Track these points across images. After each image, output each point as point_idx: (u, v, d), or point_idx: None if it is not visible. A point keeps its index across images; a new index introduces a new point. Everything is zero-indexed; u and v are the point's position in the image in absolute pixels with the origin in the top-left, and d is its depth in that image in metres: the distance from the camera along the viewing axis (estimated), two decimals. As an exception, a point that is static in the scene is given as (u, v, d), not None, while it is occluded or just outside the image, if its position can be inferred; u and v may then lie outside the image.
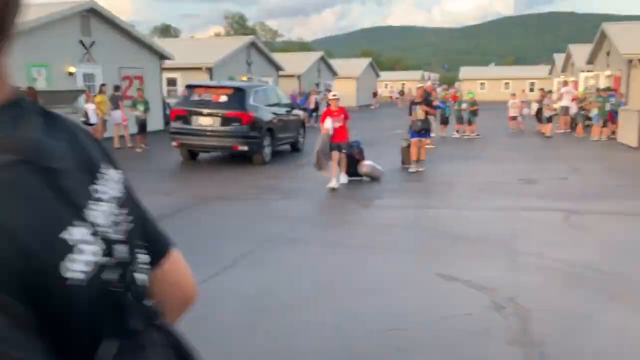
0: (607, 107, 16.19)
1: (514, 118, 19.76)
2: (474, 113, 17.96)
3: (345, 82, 42.04)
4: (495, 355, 3.35)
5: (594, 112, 16.70)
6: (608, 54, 21.30)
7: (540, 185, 9.18)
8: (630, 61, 18.31)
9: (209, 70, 22.32)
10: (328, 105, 9.19)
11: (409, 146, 10.80)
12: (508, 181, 9.64)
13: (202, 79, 20.92)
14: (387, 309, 4.08)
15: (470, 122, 17.95)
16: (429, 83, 16.96)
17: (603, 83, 20.78)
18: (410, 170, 10.47)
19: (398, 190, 9.07)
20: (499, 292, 4.36)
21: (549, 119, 17.73)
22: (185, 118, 11.64)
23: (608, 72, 21.10)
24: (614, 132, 16.20)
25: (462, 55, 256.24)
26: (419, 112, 10.39)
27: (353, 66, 45.76)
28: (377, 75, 51.80)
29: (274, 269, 5.09)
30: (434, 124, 15.50)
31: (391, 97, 54.00)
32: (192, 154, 12.42)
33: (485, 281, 4.61)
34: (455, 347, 3.46)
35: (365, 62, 48.85)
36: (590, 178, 9.95)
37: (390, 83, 65.15)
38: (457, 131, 17.88)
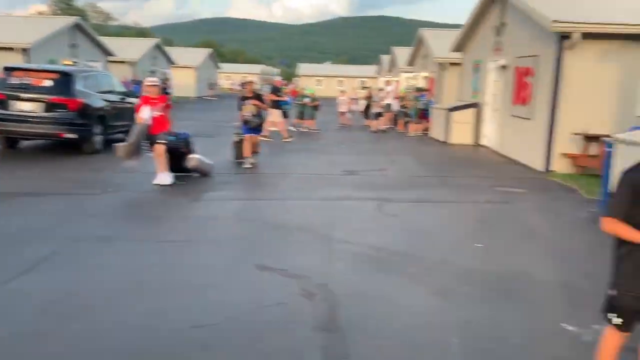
0: (420, 105, 18.10)
1: (343, 113, 21.07)
2: (315, 108, 18.88)
3: (184, 72, 40.73)
4: (299, 343, 3.45)
5: (411, 110, 18.48)
6: (425, 57, 23.54)
7: (361, 177, 9.79)
8: (441, 64, 20.45)
9: (25, 51, 19.97)
10: (146, 93, 8.54)
11: (241, 141, 10.75)
12: (334, 173, 10.12)
13: (15, 60, 18.67)
14: (198, 305, 3.98)
15: (312, 117, 18.83)
16: (277, 77, 17.25)
17: (421, 83, 22.93)
18: (245, 165, 10.43)
19: (230, 183, 8.99)
20: (312, 279, 4.52)
21: (379, 115, 19.16)
22: (2, 103, 10.48)
23: (425, 74, 23.34)
24: (427, 129, 18.00)
25: (302, 51, 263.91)
26: (249, 107, 10.35)
27: (192, 56, 44.55)
28: (217, 67, 51.12)
29: (80, 270, 4.67)
30: (280, 118, 15.87)
31: (232, 89, 53.76)
32: (11, 142, 11.29)
33: (301, 269, 4.75)
34: (262, 339, 3.49)
35: (205, 52, 47.81)
36: (404, 169, 10.88)
37: (231, 75, 64.88)
38: (294, 125, 18.52)
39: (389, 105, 19.43)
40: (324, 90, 55.25)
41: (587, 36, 9.93)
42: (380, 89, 21.46)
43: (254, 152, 10.61)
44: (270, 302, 4.05)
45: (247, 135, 10.42)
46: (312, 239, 5.77)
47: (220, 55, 64.74)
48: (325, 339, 3.51)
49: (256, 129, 10.54)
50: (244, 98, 10.56)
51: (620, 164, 6.35)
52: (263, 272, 4.73)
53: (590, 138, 10.03)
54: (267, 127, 18.77)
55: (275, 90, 16.58)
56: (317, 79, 60.70)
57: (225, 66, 61.75)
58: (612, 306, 2.67)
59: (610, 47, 10.12)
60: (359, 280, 4.61)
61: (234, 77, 62.17)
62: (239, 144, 10.84)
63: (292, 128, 18.17)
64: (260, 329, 3.62)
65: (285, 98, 17.52)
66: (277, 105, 16.05)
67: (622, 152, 6.37)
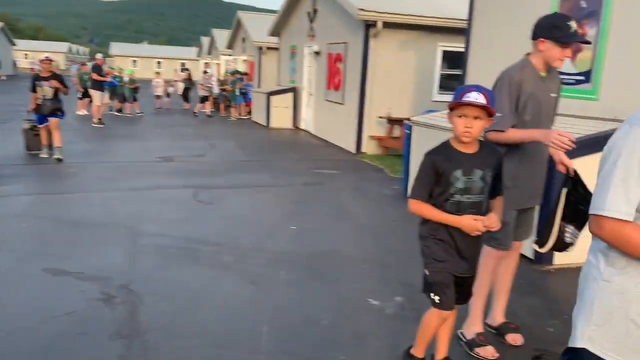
0: (237, 89, 18.08)
1: (159, 97, 20.04)
2: (135, 90, 17.69)
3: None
4: (94, 355, 3.06)
5: (230, 93, 18.28)
6: (244, 40, 23.37)
7: (177, 163, 9.31)
8: (260, 48, 20.48)
9: None
10: None
11: (33, 128, 9.42)
12: (147, 160, 9.47)
13: None
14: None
15: (133, 99, 17.69)
16: (99, 55, 15.52)
17: (241, 67, 22.75)
18: (41, 155, 9.18)
19: (20, 176, 7.82)
20: (113, 281, 4.07)
21: (205, 99, 18.62)
22: None
23: (244, 57, 23.19)
24: (250, 113, 17.95)
25: (115, 30, 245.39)
26: (46, 89, 9.06)
27: (-24, 30, 38.49)
28: (13, 44, 44.90)
29: None
30: (100, 100, 14.49)
31: (32, 69, 47.76)
32: None
33: (100, 270, 4.25)
34: (49, 356, 3.03)
35: (-7, 26, 41.59)
36: (224, 154, 10.64)
37: (30, 53, 57.63)
38: (118, 110, 17.45)
39: (209, 88, 18.95)
40: (141, 71, 52.14)
41: (390, 25, 10.67)
42: (205, 72, 20.81)
43: (56, 144, 9.34)
44: (60, 311, 3.53)
45: (47, 122, 9.15)
46: (116, 235, 5.24)
47: (17, 31, 57.00)
48: (124, 346, 3.15)
49: (54, 113, 9.28)
50: (39, 78, 9.16)
51: (417, 145, 6.91)
52: (55, 276, 4.14)
53: (393, 121, 10.85)
54: (82, 110, 17.07)
55: (97, 70, 14.96)
56: (132, 60, 56.92)
57: (23, 43, 54.59)
58: (427, 284, 2.73)
59: (409, 37, 11.01)
60: (167, 277, 4.27)
61: (36, 56, 55.34)
62: (30, 132, 9.49)
63: (112, 112, 16.98)
64: (46, 345, 3.12)
65: (108, 78, 16.09)
66: (99, 86, 14.66)
67: (419, 134, 6.93)
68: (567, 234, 2.96)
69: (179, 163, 9.34)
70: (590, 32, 5.54)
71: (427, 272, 2.71)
